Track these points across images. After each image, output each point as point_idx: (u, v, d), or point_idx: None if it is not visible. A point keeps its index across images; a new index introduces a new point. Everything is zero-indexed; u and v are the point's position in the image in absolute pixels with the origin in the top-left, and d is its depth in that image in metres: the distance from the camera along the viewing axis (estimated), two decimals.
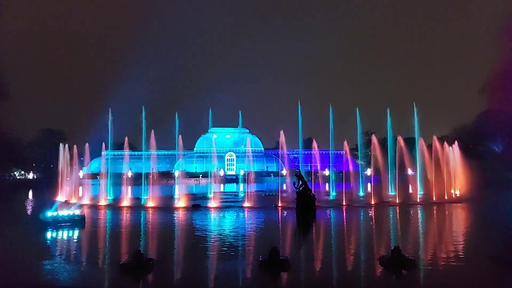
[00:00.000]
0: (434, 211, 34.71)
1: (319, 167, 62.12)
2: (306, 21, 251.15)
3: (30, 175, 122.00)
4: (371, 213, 33.24)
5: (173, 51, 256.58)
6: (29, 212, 37.98)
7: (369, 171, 73.63)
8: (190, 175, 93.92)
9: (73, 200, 42.02)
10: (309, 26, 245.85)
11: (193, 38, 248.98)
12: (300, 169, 34.61)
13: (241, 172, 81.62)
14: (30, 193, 59.59)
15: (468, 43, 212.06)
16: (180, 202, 37.93)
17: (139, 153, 75.23)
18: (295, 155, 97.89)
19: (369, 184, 50.89)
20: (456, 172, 49.93)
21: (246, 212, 32.92)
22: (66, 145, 51.06)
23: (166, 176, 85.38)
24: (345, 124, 49.72)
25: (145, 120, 51.15)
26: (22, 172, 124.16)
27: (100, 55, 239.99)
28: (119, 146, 54.36)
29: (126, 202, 39.51)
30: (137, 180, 56.55)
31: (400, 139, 45.59)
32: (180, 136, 60.20)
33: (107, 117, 55.42)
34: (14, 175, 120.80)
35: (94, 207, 37.62)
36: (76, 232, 23.05)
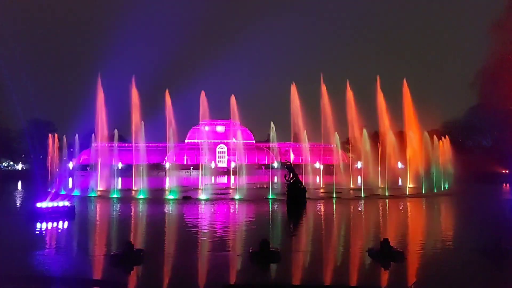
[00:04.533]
0: (423, 204, 35.11)
1: (309, 160, 62.24)
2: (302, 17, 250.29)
3: (19, 166, 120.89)
4: (361, 205, 33.50)
5: (163, 41, 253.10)
6: (18, 203, 37.64)
7: (359, 164, 73.97)
8: (181, 167, 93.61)
9: (62, 191, 41.71)
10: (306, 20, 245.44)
11: (184, 29, 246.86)
12: (291, 161, 34.72)
13: (232, 164, 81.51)
14: (19, 184, 59.07)
15: (459, 37, 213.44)
16: (171, 194, 37.84)
17: (129, 144, 74.67)
18: (286, 148, 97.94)
19: (359, 177, 51.23)
20: (445, 165, 50.50)
21: (236, 204, 32.96)
22: (56, 136, 50.59)
23: (157, 168, 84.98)
24: (337, 118, 49.76)
25: (134, 112, 50.41)
26: (11, 163, 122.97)
27: (86, 41, 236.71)
28: (109, 137, 53.65)
29: (116, 193, 39.34)
30: (127, 171, 56.25)
31: (390, 134, 45.98)
32: (171, 128, 59.60)
33: (96, 105, 53.60)
34: (3, 166, 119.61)
35: (84, 198, 37.41)
36: (66, 223, 22.87)
